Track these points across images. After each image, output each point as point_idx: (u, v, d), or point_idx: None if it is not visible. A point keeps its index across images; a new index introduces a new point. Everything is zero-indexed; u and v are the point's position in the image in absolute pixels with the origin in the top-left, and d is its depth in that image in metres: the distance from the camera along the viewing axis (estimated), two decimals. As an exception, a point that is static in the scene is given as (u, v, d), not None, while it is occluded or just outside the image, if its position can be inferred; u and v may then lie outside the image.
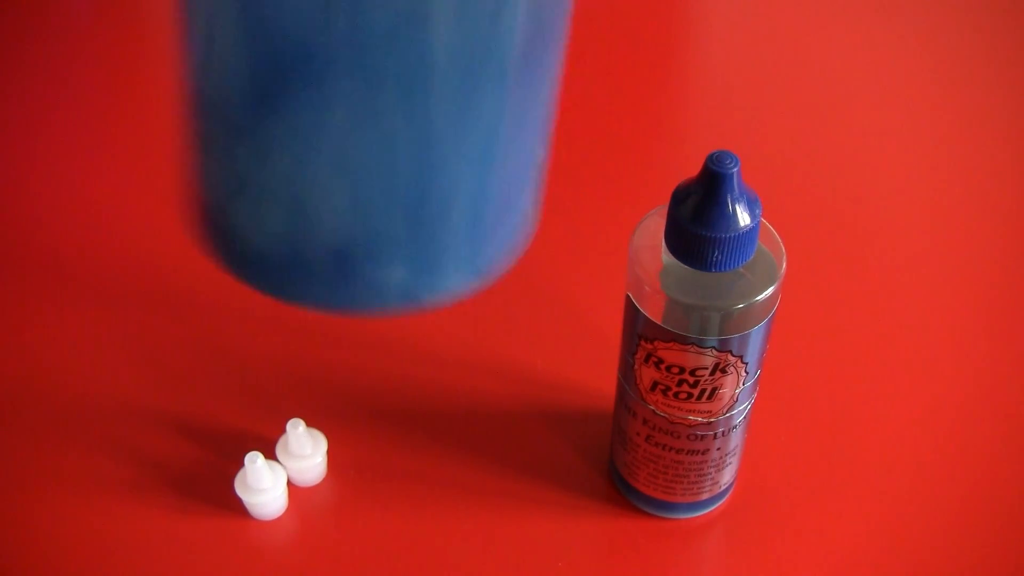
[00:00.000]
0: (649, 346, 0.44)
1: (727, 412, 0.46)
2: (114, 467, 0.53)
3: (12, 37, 0.76)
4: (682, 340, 0.43)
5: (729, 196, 0.40)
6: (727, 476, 0.50)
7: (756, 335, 0.43)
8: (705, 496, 0.50)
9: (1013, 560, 0.51)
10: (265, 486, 0.51)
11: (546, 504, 0.52)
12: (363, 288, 0.41)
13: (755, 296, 0.42)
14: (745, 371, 0.44)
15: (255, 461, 0.50)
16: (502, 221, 0.42)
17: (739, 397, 0.45)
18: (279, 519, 0.52)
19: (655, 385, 0.45)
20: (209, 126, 0.39)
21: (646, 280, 0.43)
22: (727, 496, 0.52)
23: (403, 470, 0.53)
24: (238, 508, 0.52)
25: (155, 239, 0.63)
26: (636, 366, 0.45)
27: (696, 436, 0.47)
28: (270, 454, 0.52)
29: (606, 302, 0.56)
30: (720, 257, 0.41)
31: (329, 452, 0.53)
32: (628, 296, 0.44)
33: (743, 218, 0.40)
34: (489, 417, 0.55)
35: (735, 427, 0.47)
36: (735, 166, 0.39)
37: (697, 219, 0.40)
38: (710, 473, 0.49)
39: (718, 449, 0.48)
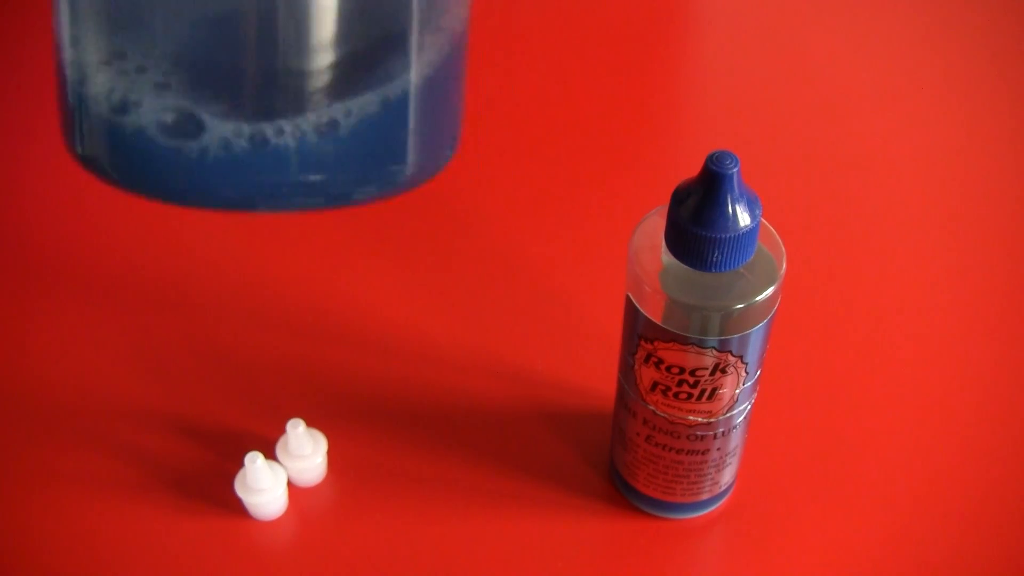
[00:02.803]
0: (649, 346, 0.44)
1: (727, 412, 0.46)
2: (114, 467, 0.53)
3: (12, 37, 0.76)
4: (682, 340, 0.43)
5: (729, 196, 0.40)
6: (727, 476, 0.50)
7: (756, 335, 0.43)
8: (705, 496, 0.50)
9: (1015, 560, 0.51)
10: (265, 486, 0.51)
11: (546, 504, 0.52)
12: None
13: (755, 296, 0.42)
14: (745, 371, 0.44)
15: (255, 461, 0.50)
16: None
17: (739, 397, 0.46)
18: (279, 519, 0.52)
19: (655, 385, 0.45)
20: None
21: (646, 280, 0.43)
22: (727, 496, 0.52)
23: (403, 470, 0.53)
24: (238, 508, 0.52)
25: (155, 239, 0.63)
26: (636, 366, 0.45)
27: (696, 436, 0.47)
28: (270, 454, 0.52)
29: (606, 302, 0.56)
30: (720, 257, 0.41)
31: (329, 452, 0.53)
32: (628, 296, 0.44)
33: (743, 218, 0.40)
34: (489, 417, 0.55)
35: (735, 427, 0.47)
36: (735, 166, 0.39)
37: (697, 219, 0.40)
38: (710, 473, 0.49)
39: (718, 449, 0.48)
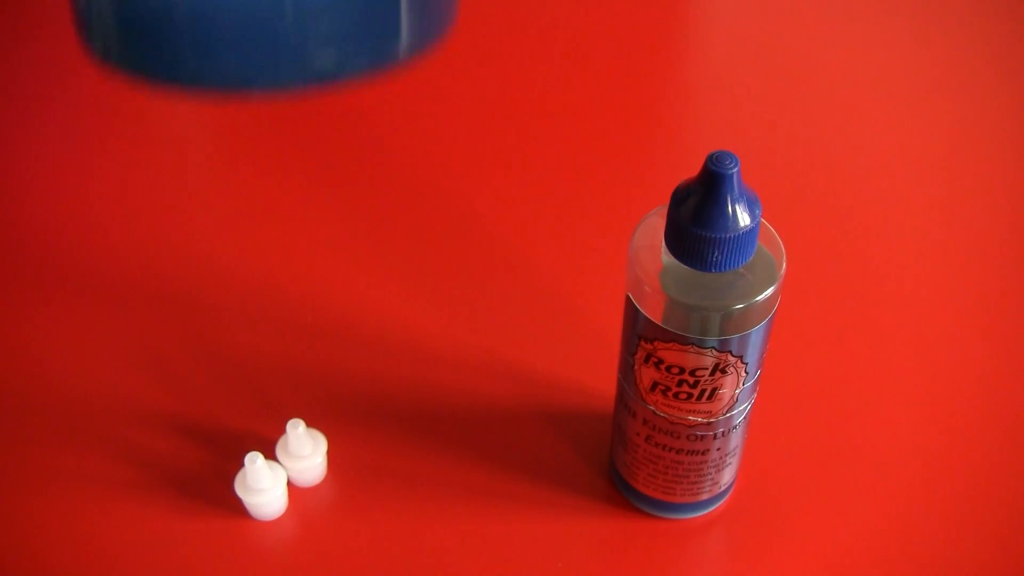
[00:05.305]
0: (649, 346, 0.44)
1: (727, 412, 0.46)
2: (114, 467, 0.53)
3: (11, 37, 0.76)
4: (682, 340, 0.43)
5: (729, 196, 0.40)
6: (727, 476, 0.50)
7: (756, 335, 0.43)
8: (705, 496, 0.50)
9: (1014, 560, 0.51)
10: (265, 486, 0.51)
11: (546, 504, 0.52)
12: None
13: (755, 296, 0.42)
14: (745, 371, 0.44)
15: (255, 461, 0.50)
16: None
17: (739, 397, 0.46)
18: (279, 519, 0.52)
19: (655, 385, 0.45)
20: None
21: (646, 280, 0.43)
22: (727, 496, 0.52)
23: (403, 470, 0.53)
24: (238, 508, 0.52)
25: (155, 239, 0.63)
26: (636, 366, 0.45)
27: (696, 436, 0.47)
28: (270, 454, 0.52)
29: (606, 302, 0.56)
30: (720, 257, 0.41)
31: (329, 452, 0.53)
32: (628, 296, 0.44)
33: (743, 218, 0.40)
34: (489, 417, 0.55)
35: (735, 427, 0.47)
36: (735, 166, 0.39)
37: (697, 219, 0.40)
38: (710, 473, 0.49)
39: (718, 449, 0.48)
